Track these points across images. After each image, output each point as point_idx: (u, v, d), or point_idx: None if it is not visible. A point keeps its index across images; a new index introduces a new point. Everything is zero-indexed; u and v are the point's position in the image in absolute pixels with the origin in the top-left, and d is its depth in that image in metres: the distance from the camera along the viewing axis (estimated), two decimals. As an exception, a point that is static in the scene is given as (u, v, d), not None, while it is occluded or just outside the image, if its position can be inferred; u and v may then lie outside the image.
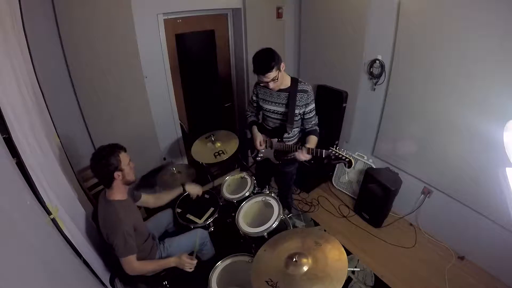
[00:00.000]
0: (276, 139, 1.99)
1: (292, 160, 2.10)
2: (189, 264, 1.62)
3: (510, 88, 1.76)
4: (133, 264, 1.49)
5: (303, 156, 1.77)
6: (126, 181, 1.54)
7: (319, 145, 1.86)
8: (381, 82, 2.56)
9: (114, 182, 1.49)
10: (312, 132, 1.94)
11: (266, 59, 1.71)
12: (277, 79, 1.75)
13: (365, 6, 2.43)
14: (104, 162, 1.42)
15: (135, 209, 1.69)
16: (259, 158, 2.11)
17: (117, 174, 1.46)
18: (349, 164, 1.65)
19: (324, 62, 3.01)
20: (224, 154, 2.40)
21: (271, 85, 1.77)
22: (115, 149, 1.47)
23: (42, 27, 1.80)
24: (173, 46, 2.60)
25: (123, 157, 1.49)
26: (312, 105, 1.91)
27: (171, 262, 1.62)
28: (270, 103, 1.95)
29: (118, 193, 1.53)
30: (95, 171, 1.46)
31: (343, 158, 1.64)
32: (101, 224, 1.51)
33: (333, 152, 1.67)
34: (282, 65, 1.76)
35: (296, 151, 1.83)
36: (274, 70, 1.70)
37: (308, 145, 1.78)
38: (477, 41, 1.84)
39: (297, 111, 1.87)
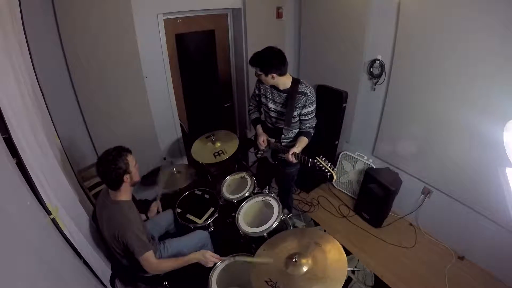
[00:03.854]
0: (274, 140, 2.00)
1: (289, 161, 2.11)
2: (212, 262, 1.63)
3: (510, 88, 1.76)
4: (152, 261, 1.50)
5: (291, 158, 1.79)
6: (133, 182, 1.55)
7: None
8: (381, 82, 2.56)
9: (122, 185, 1.48)
10: (303, 134, 1.93)
11: (259, 55, 1.76)
12: (259, 77, 1.82)
13: (365, 6, 2.43)
14: (113, 166, 1.41)
15: (137, 211, 1.69)
16: (259, 155, 2.13)
17: (126, 177, 1.47)
18: (330, 177, 1.65)
19: (324, 62, 3.01)
20: (224, 154, 2.40)
21: (259, 78, 1.85)
22: (122, 152, 1.47)
23: (42, 27, 1.80)
24: (173, 46, 2.60)
25: (130, 160, 1.49)
26: (310, 108, 1.88)
27: (192, 258, 1.61)
28: (271, 100, 1.95)
29: (125, 194, 1.54)
30: (103, 175, 1.45)
31: (326, 170, 1.64)
32: (106, 226, 1.51)
33: (317, 163, 1.66)
34: (272, 76, 1.77)
35: (286, 153, 1.84)
36: (257, 69, 1.79)
37: (295, 149, 1.80)
38: (477, 41, 1.84)
39: (295, 113, 1.87)
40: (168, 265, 1.59)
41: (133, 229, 1.46)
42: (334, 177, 1.65)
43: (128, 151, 1.51)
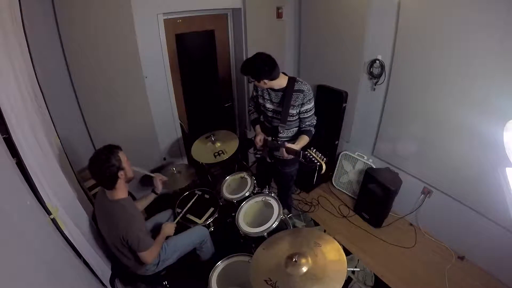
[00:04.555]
0: (270, 138, 2.00)
1: (289, 160, 2.10)
2: (172, 227, 1.80)
3: (510, 88, 1.76)
4: (150, 255, 1.54)
5: (284, 153, 1.79)
6: (128, 178, 1.56)
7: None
8: (381, 82, 2.56)
9: (117, 182, 1.49)
10: (304, 132, 1.93)
11: (248, 64, 1.81)
12: (254, 82, 1.86)
13: (365, 6, 2.43)
14: (107, 164, 1.42)
15: (137, 208, 1.70)
16: (258, 155, 2.13)
17: (120, 173, 1.47)
18: (319, 168, 1.64)
19: (324, 62, 3.01)
20: (224, 154, 2.40)
21: (253, 83, 1.87)
22: (113, 149, 1.47)
23: (42, 27, 1.80)
24: (173, 46, 2.60)
25: (122, 156, 1.50)
26: (309, 106, 1.89)
27: (164, 234, 1.74)
28: (267, 100, 1.96)
29: (121, 192, 1.54)
30: (97, 175, 1.45)
31: (315, 161, 1.64)
32: (106, 226, 1.52)
33: (308, 154, 1.66)
34: (265, 82, 1.80)
35: (280, 149, 1.85)
36: (249, 76, 1.84)
37: (289, 144, 1.80)
38: (477, 41, 1.84)
39: (293, 111, 1.87)
40: (158, 249, 1.66)
41: (138, 225, 1.49)
42: (324, 167, 1.64)
43: (118, 147, 1.52)
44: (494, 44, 1.76)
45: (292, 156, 1.79)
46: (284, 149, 1.78)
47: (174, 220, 2.09)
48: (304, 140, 1.90)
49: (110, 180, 1.46)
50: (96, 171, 1.43)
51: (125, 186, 1.57)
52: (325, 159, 1.64)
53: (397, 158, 2.69)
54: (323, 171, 1.65)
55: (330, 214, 2.94)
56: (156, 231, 1.95)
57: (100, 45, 2.03)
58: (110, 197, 1.52)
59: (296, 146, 1.83)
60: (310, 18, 3.00)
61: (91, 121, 2.20)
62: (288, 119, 1.89)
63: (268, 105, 1.97)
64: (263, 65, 1.76)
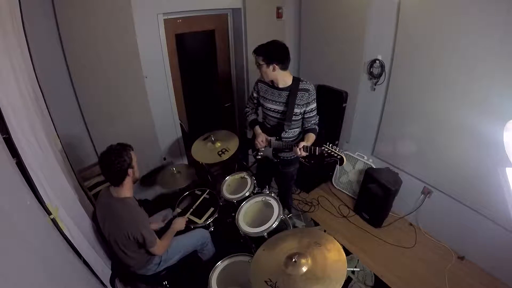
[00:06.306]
0: (274, 138, 2.00)
1: (291, 160, 2.10)
2: (183, 223, 1.89)
3: (510, 88, 1.76)
4: (159, 245, 1.61)
5: (299, 152, 1.79)
6: (135, 178, 1.60)
7: (318, 143, 1.86)
8: (381, 82, 2.56)
9: (125, 180, 1.51)
10: (310, 130, 1.94)
11: (264, 45, 1.81)
12: (260, 68, 1.83)
13: (365, 6, 2.43)
14: (119, 159, 1.45)
15: (140, 207, 1.70)
16: (259, 157, 2.12)
17: (130, 171, 1.51)
18: (340, 161, 1.68)
19: (324, 62, 3.01)
20: (227, 152, 2.40)
21: (260, 69, 1.85)
22: (126, 147, 1.52)
23: (42, 27, 1.80)
24: (173, 46, 2.60)
25: (133, 155, 1.54)
26: (313, 105, 1.91)
27: (175, 229, 1.81)
28: (270, 101, 1.96)
29: (127, 190, 1.56)
30: (108, 168, 1.47)
31: (335, 155, 1.66)
32: (110, 225, 1.52)
33: (325, 150, 1.68)
34: (274, 67, 1.78)
35: (290, 148, 1.85)
36: (259, 58, 1.80)
37: (303, 143, 1.79)
38: (477, 41, 1.84)
39: (297, 110, 1.87)
40: (168, 241, 1.73)
41: (145, 223, 1.54)
42: (345, 160, 1.68)
43: (131, 147, 1.56)
44: (494, 44, 1.76)
45: (306, 153, 1.79)
46: (298, 148, 1.77)
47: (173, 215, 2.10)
48: (312, 137, 1.91)
49: (119, 175, 1.48)
50: (107, 164, 1.45)
51: (132, 186, 1.60)
52: (343, 151, 1.68)
53: (397, 158, 2.69)
54: (345, 162, 1.70)
55: (330, 214, 2.94)
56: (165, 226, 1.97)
57: (100, 45, 2.03)
58: (116, 195, 1.53)
59: (307, 144, 1.83)
60: (310, 18, 3.00)
61: (91, 121, 2.20)
62: (292, 118, 1.89)
63: (271, 105, 1.96)
64: (278, 49, 1.78)
